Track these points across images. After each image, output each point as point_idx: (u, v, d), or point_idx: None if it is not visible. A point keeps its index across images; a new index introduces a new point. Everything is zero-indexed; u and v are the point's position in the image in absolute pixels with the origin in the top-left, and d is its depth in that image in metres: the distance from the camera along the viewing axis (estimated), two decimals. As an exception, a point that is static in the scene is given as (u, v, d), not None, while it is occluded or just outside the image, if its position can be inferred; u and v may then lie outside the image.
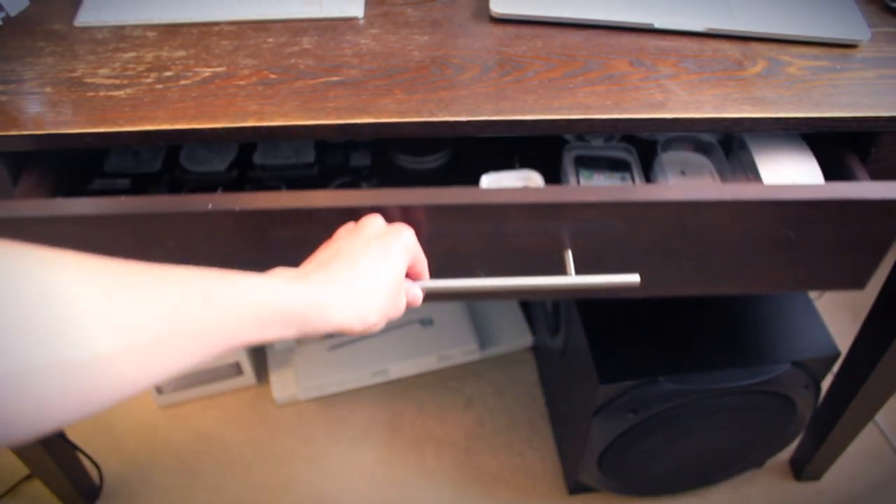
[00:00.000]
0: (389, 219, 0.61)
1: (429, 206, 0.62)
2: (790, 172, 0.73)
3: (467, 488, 1.17)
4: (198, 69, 0.71)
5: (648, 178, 0.80)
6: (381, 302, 0.53)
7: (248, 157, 0.84)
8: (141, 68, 0.71)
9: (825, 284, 0.75)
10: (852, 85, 0.69)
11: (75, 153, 0.79)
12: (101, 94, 0.68)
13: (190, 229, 0.63)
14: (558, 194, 0.63)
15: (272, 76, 0.70)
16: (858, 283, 0.74)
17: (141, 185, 0.79)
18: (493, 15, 0.76)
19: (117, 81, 0.70)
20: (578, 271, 0.66)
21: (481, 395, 1.30)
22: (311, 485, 1.19)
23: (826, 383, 0.98)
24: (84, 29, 0.77)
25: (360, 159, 0.86)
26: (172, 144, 0.68)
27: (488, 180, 0.77)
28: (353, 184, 0.82)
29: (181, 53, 0.73)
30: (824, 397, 1.00)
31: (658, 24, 0.74)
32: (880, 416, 1.22)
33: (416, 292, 0.59)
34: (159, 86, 0.69)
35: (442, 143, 0.86)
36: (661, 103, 0.66)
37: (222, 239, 0.64)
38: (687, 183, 0.78)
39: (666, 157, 0.81)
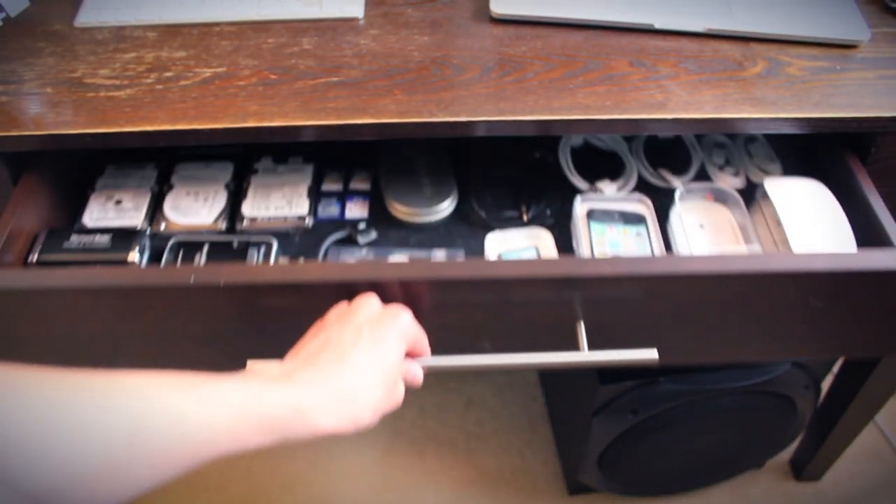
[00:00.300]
0: (387, 294, 0.56)
1: (430, 281, 0.57)
2: (818, 228, 0.68)
3: (467, 488, 1.17)
4: (198, 69, 0.71)
5: (664, 230, 0.75)
6: (375, 399, 0.48)
7: (238, 207, 0.77)
8: (141, 69, 0.71)
9: (857, 352, 0.71)
10: (852, 85, 0.69)
11: (75, 153, 0.79)
12: (102, 94, 0.68)
13: (171, 302, 0.60)
14: (571, 267, 0.58)
15: (272, 76, 0.70)
16: (893, 350, 0.70)
17: (122, 241, 0.71)
18: (493, 15, 0.76)
19: (118, 82, 0.70)
20: (591, 343, 0.62)
21: (481, 395, 1.30)
22: (311, 485, 1.19)
23: (826, 383, 0.98)
24: (84, 29, 0.77)
25: (356, 210, 0.80)
26: (172, 145, 0.68)
27: (494, 239, 0.74)
28: (350, 239, 0.76)
29: (181, 54, 0.73)
30: (824, 397, 1.00)
31: (658, 25, 0.74)
32: (880, 416, 1.22)
33: (415, 372, 0.54)
34: (160, 86, 0.69)
35: (445, 192, 0.78)
36: (661, 104, 0.66)
37: (207, 311, 0.61)
38: (710, 252, 0.72)
39: (683, 208, 0.76)
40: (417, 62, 0.72)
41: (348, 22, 0.77)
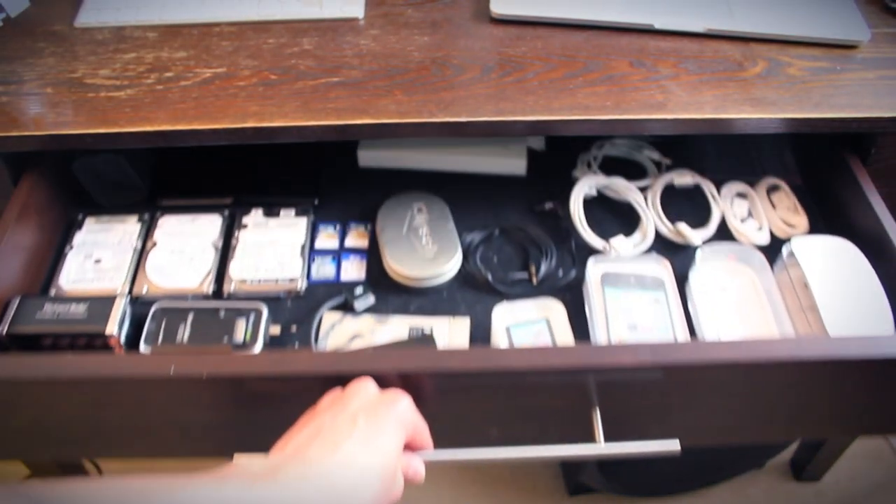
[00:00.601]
0: (385, 379, 0.52)
1: (433, 374, 0.53)
2: (848, 292, 0.64)
3: (467, 488, 1.17)
4: (198, 70, 0.71)
5: (683, 292, 0.70)
6: (371, 496, 0.43)
7: (226, 265, 0.73)
8: (141, 69, 0.71)
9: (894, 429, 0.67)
10: (852, 86, 0.69)
11: (76, 154, 0.79)
12: (102, 94, 0.68)
13: (150, 392, 0.56)
14: (588, 356, 0.54)
15: (273, 77, 0.70)
16: None
17: (99, 310, 0.65)
18: (494, 16, 0.76)
19: (118, 82, 0.70)
20: (607, 428, 0.57)
21: (481, 395, 1.30)
22: (312, 485, 1.19)
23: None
24: (84, 30, 0.77)
25: (352, 271, 0.74)
26: (172, 146, 0.68)
27: (501, 311, 0.69)
28: (346, 305, 0.71)
29: (182, 54, 0.73)
30: (824, 398, 1.00)
31: (658, 25, 0.74)
32: (880, 417, 1.22)
33: (416, 467, 0.51)
34: (160, 86, 0.69)
35: (448, 253, 0.73)
36: (661, 104, 0.66)
37: (189, 401, 0.58)
38: (736, 336, 0.67)
39: (704, 269, 0.71)
40: (417, 62, 0.72)
41: (348, 22, 0.77)
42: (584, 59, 0.72)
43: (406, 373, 0.53)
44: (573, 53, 0.72)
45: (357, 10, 0.78)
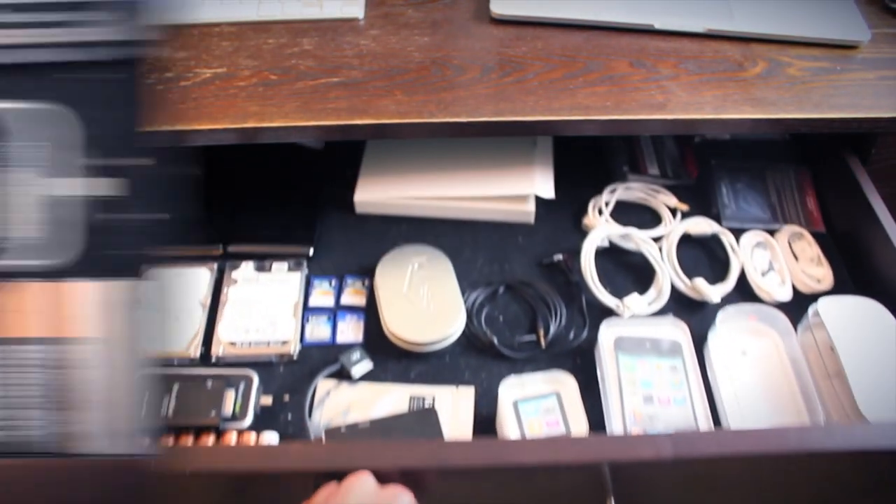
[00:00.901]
0: (384, 477, 0.49)
1: (437, 471, 0.50)
2: (876, 356, 0.61)
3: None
4: (198, 70, 0.71)
5: (701, 355, 0.66)
6: None
7: (214, 323, 0.68)
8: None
9: None
10: (852, 86, 0.69)
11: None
12: (102, 95, 0.68)
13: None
14: (603, 449, 0.51)
15: (273, 77, 0.70)
16: None
17: None
18: (494, 16, 0.76)
19: (118, 82, 0.70)
20: None
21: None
22: (312, 485, 1.18)
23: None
24: (84, 30, 0.77)
25: (349, 332, 0.70)
26: (172, 146, 0.68)
27: (509, 385, 0.64)
28: (342, 372, 0.66)
29: (181, 54, 0.73)
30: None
31: (658, 25, 0.74)
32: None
33: None
34: (159, 87, 0.69)
35: (451, 315, 0.68)
36: (661, 104, 0.66)
37: (172, 495, 0.54)
38: (763, 422, 0.62)
39: (724, 331, 0.67)
40: (418, 63, 0.72)
41: (348, 22, 0.77)
42: (584, 59, 0.72)
43: (407, 469, 0.50)
44: (573, 53, 0.72)
45: (357, 11, 0.78)
